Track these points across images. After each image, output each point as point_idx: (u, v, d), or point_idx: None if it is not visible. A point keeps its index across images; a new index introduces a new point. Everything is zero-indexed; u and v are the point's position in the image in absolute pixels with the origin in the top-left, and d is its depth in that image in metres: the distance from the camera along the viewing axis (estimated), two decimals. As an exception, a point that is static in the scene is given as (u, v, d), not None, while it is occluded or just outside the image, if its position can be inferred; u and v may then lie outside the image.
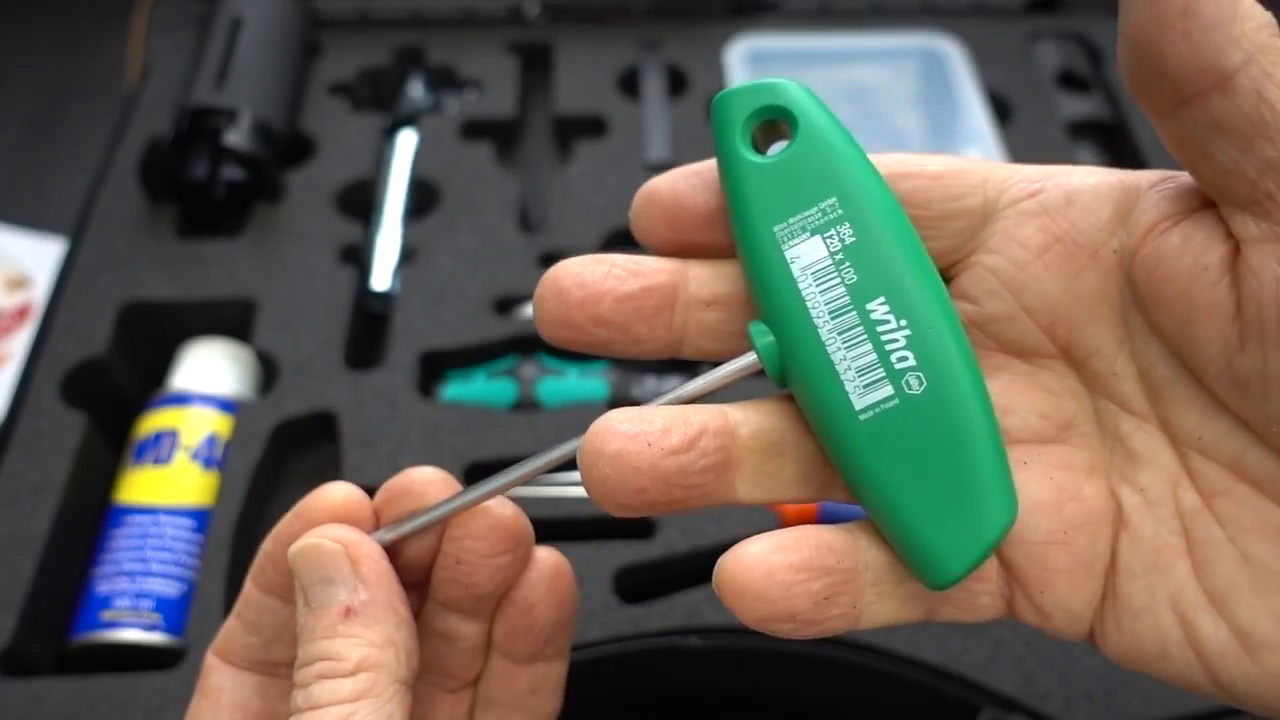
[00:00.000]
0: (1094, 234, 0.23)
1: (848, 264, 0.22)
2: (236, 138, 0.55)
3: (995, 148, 0.58)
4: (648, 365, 0.52)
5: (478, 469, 0.47)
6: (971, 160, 0.24)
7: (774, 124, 0.24)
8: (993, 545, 0.21)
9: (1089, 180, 0.23)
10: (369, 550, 0.26)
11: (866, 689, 0.42)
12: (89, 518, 0.47)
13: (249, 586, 0.29)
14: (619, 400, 0.50)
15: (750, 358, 0.23)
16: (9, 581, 0.43)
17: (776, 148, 0.24)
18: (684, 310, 0.24)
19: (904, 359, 0.22)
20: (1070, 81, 0.66)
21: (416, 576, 0.28)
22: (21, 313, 0.70)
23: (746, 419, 0.23)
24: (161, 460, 0.47)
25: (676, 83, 0.65)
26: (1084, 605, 0.23)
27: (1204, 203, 0.22)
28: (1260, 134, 0.19)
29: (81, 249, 0.55)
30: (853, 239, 0.22)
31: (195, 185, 0.56)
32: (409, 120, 0.62)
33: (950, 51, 0.64)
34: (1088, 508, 0.23)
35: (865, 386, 0.22)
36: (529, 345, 0.52)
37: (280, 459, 0.49)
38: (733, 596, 0.21)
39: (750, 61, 0.64)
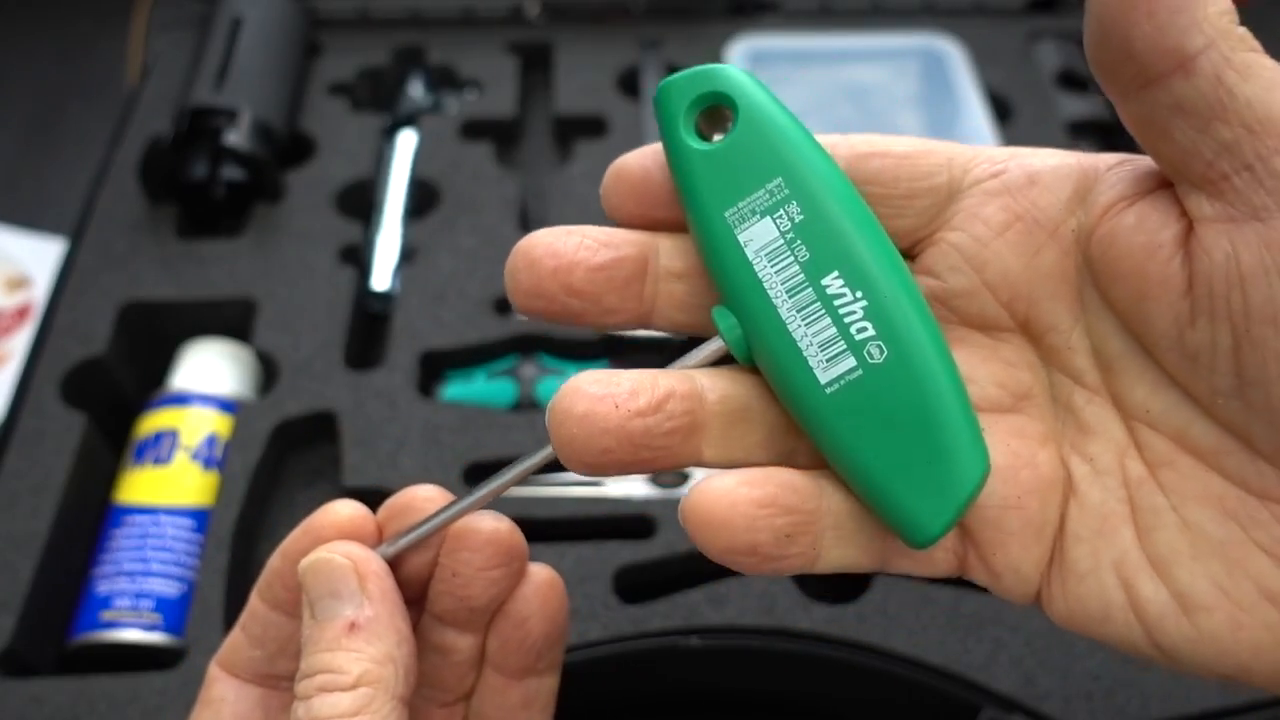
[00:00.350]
0: (1054, 213, 0.23)
1: (799, 242, 0.23)
2: (236, 138, 0.55)
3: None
4: (646, 361, 0.52)
5: (478, 469, 0.47)
6: (937, 141, 0.25)
7: (717, 110, 0.24)
8: (967, 501, 0.22)
9: (1050, 161, 0.24)
10: (376, 568, 0.27)
11: (866, 689, 0.42)
12: (89, 518, 0.47)
13: (254, 601, 0.29)
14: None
15: (717, 343, 0.24)
16: (9, 581, 0.43)
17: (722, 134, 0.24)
18: (653, 282, 0.24)
19: (863, 330, 0.22)
20: (1070, 81, 0.66)
21: (414, 592, 0.29)
22: (21, 313, 0.70)
23: (713, 385, 0.23)
24: (161, 460, 0.47)
25: (676, 83, 0.65)
26: (1032, 568, 0.23)
27: (1158, 185, 0.22)
28: (1217, 116, 0.20)
29: (81, 249, 0.55)
30: (801, 217, 0.23)
31: (195, 185, 0.56)
32: (409, 120, 0.62)
33: (950, 51, 0.64)
34: (1041, 474, 0.23)
35: (828, 360, 0.22)
36: (529, 345, 0.52)
37: (280, 459, 0.49)
38: (697, 525, 0.22)
39: (750, 61, 0.64)
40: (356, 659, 0.25)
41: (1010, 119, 0.62)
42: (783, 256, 0.23)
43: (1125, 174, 0.23)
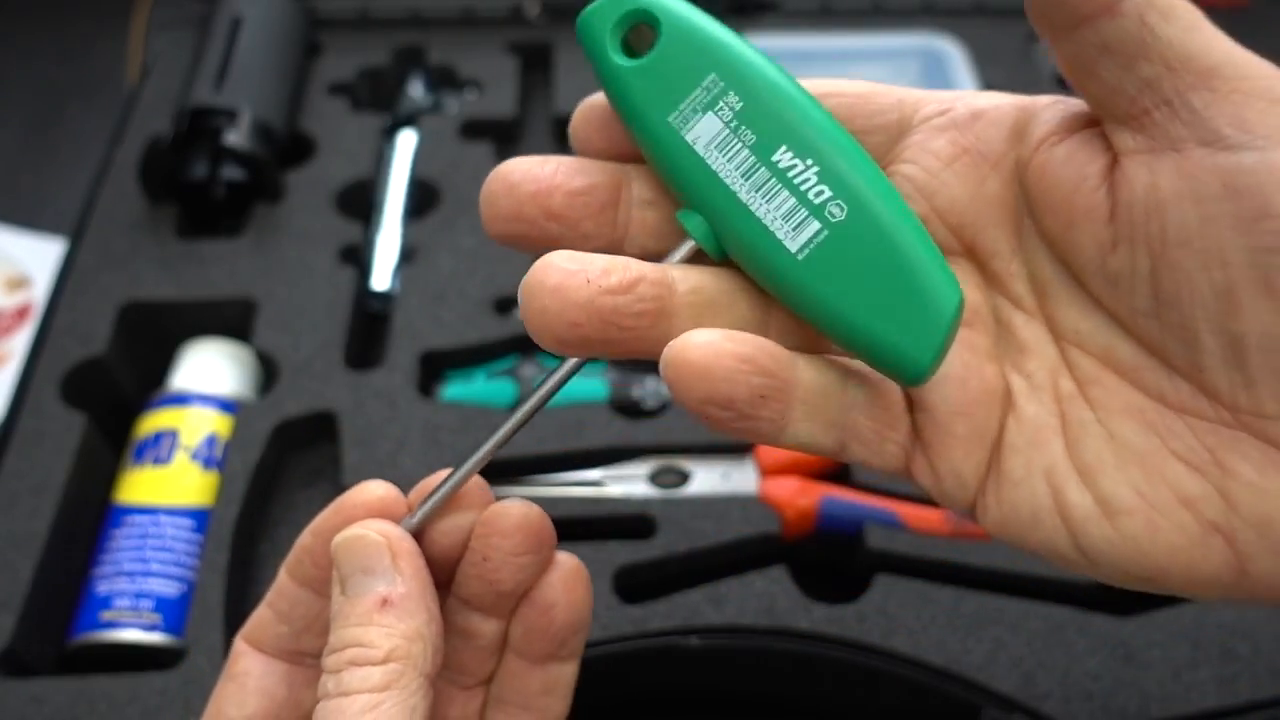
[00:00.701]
0: (997, 146, 0.25)
1: (744, 128, 0.23)
2: (236, 138, 0.55)
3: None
4: (647, 365, 0.52)
5: (478, 469, 0.47)
6: (889, 85, 0.27)
7: (639, 30, 0.25)
8: (950, 328, 0.23)
9: (993, 100, 0.26)
10: (409, 546, 0.27)
11: (866, 689, 0.42)
12: (89, 518, 0.47)
13: (283, 577, 0.29)
14: (619, 400, 0.50)
15: (688, 244, 0.24)
16: (9, 581, 0.43)
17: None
18: (626, 209, 0.25)
19: (820, 193, 0.23)
20: (1070, 81, 0.66)
21: (442, 575, 0.29)
22: (21, 313, 0.70)
23: (684, 277, 0.24)
24: (161, 460, 0.47)
25: (676, 83, 0.64)
26: (972, 473, 0.25)
27: (1088, 124, 0.24)
28: (1141, 54, 0.22)
29: (81, 249, 0.55)
30: (741, 104, 0.23)
31: (195, 185, 0.56)
32: (409, 120, 0.62)
33: (950, 51, 0.64)
34: (987, 386, 0.25)
35: (794, 229, 0.23)
36: (529, 345, 0.52)
37: (280, 459, 0.49)
38: (678, 372, 0.22)
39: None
40: (387, 634, 0.26)
41: (1010, 119, 0.62)
42: (731, 144, 0.23)
43: (1059, 111, 0.25)
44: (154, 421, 0.48)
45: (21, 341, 0.67)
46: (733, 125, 0.23)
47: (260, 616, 0.30)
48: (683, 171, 0.24)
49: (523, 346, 0.52)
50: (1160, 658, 0.41)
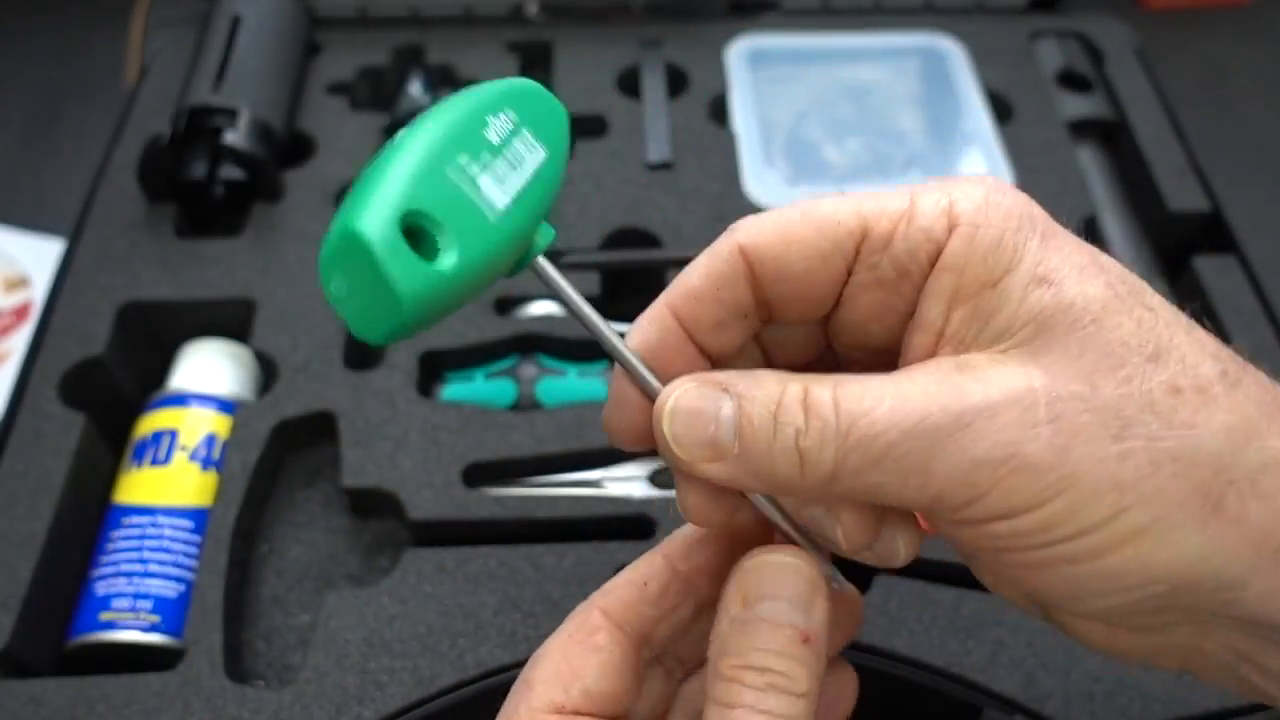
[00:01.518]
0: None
1: (483, 169, 0.26)
2: (235, 137, 0.55)
3: (995, 148, 0.58)
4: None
5: (477, 469, 0.47)
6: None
7: (411, 230, 0.25)
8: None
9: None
10: (826, 589, 0.27)
11: (867, 689, 0.42)
12: (88, 518, 0.47)
13: (664, 566, 0.29)
14: (619, 400, 0.50)
15: (546, 266, 0.28)
16: (8, 581, 0.43)
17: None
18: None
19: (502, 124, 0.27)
20: (1071, 81, 0.65)
21: None
22: (20, 313, 0.69)
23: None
24: (160, 460, 0.47)
25: (677, 82, 0.64)
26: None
27: None
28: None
29: (80, 249, 0.55)
30: (470, 159, 0.26)
31: (194, 185, 0.56)
32: (409, 120, 0.62)
33: (951, 51, 0.64)
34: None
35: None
36: (528, 345, 0.52)
37: (279, 459, 0.49)
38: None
39: (750, 60, 0.64)
40: (808, 672, 0.25)
41: (1010, 119, 0.62)
42: (501, 175, 0.26)
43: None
44: (153, 421, 0.48)
45: (20, 341, 0.67)
46: (490, 166, 0.26)
47: (624, 595, 0.29)
48: (516, 229, 0.26)
49: (522, 346, 0.52)
50: (1161, 658, 0.41)
